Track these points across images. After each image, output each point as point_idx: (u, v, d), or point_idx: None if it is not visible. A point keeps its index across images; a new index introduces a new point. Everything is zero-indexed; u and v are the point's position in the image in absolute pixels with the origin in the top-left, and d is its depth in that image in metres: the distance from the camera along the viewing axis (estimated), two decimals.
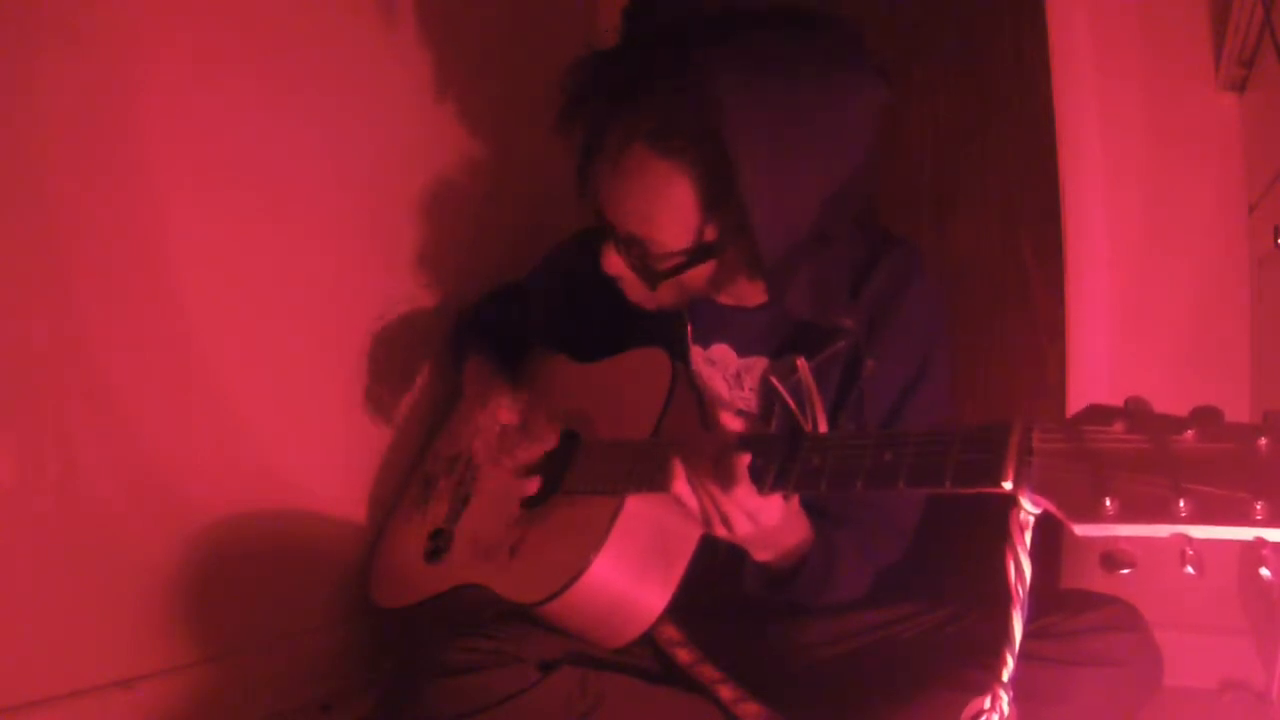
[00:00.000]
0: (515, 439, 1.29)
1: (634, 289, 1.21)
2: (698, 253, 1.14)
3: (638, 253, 1.16)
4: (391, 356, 1.58)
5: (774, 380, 1.20)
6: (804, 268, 1.15)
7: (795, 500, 1.07)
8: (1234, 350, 1.55)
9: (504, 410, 1.32)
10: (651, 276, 1.17)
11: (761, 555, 1.12)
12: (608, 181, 1.14)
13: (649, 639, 1.16)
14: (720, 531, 1.03)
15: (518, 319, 1.52)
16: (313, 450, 1.48)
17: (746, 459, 0.95)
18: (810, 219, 1.11)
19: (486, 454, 1.33)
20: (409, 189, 1.62)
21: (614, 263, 1.19)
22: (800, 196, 1.10)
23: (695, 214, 1.12)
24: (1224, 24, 1.42)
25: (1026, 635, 0.71)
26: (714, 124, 1.05)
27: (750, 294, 1.27)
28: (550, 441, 1.26)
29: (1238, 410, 0.64)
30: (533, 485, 1.24)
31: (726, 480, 0.95)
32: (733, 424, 1.00)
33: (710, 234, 1.13)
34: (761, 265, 1.13)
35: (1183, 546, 0.60)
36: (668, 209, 1.12)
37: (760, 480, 0.94)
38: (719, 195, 1.10)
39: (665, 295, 1.21)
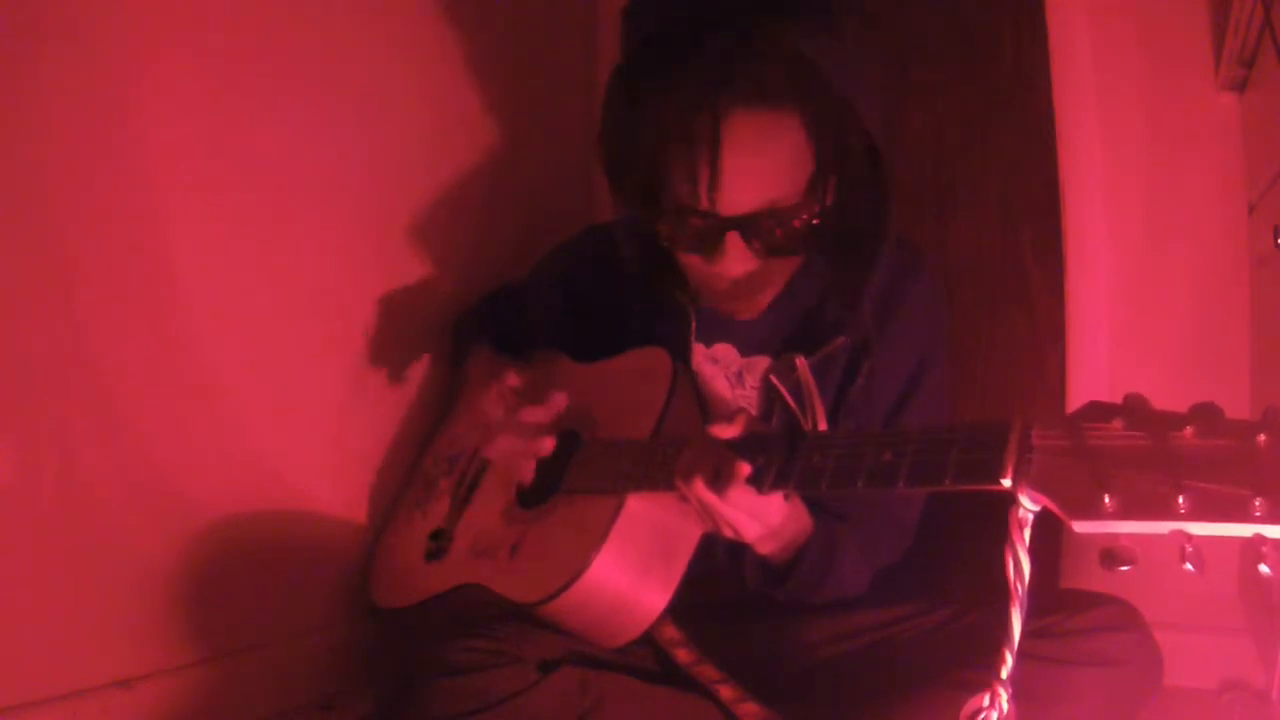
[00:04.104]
0: (526, 402, 1.26)
1: (756, 277, 1.16)
2: (820, 184, 1.11)
3: (775, 224, 1.11)
4: (391, 357, 1.58)
5: (774, 379, 1.20)
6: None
7: (797, 498, 1.07)
8: (1234, 350, 1.54)
9: (513, 377, 1.30)
10: (797, 236, 1.12)
11: (764, 548, 1.12)
12: (720, 162, 1.07)
13: (649, 639, 1.16)
14: (728, 534, 1.03)
15: (517, 320, 1.52)
16: (313, 450, 1.48)
17: (746, 464, 0.95)
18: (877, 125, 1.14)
19: (499, 416, 1.30)
20: (409, 190, 1.62)
21: (741, 257, 1.12)
22: (875, 97, 1.13)
23: (809, 150, 1.09)
24: (1224, 24, 1.42)
25: (1026, 635, 0.71)
26: (812, 75, 1.06)
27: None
28: (559, 405, 1.24)
29: (1237, 410, 0.64)
30: (549, 444, 1.21)
31: (726, 485, 0.96)
32: (726, 434, 1.00)
33: (823, 159, 1.11)
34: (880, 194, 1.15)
35: (1182, 543, 0.60)
36: (787, 157, 1.09)
37: (760, 480, 0.94)
38: (823, 127, 1.09)
39: (772, 280, 1.20)
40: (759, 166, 1.09)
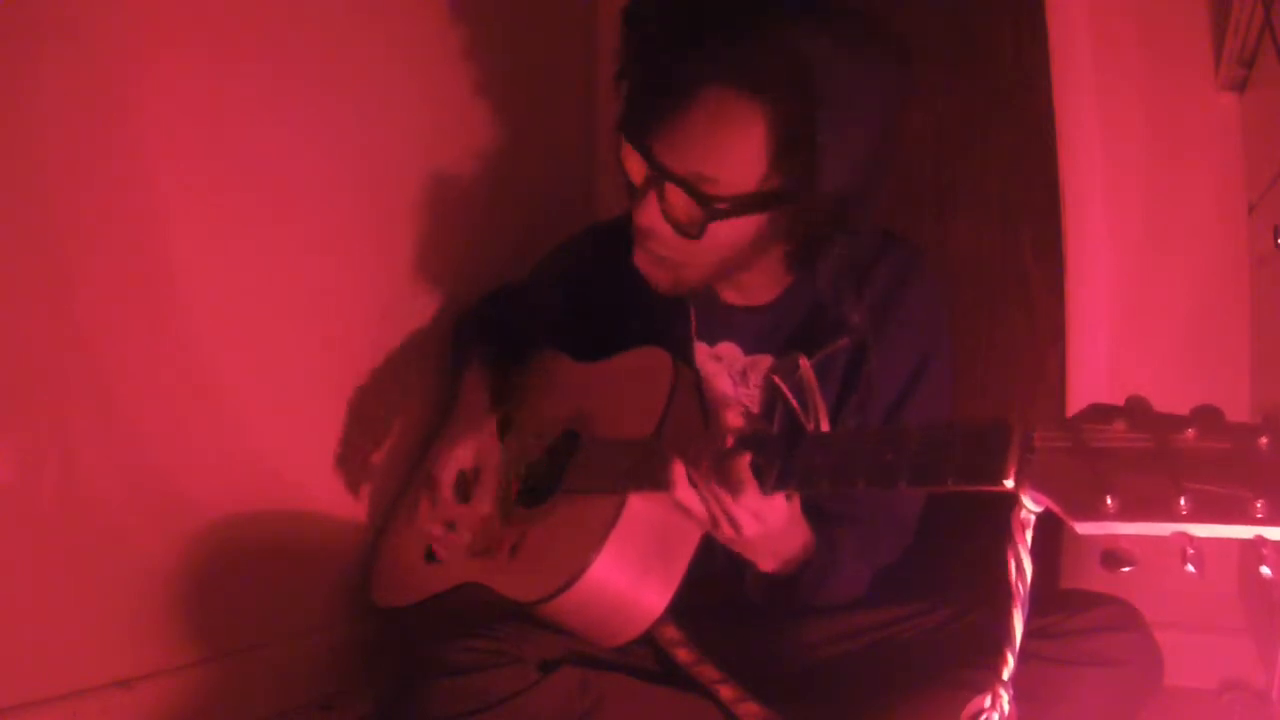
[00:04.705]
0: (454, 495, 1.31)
1: (663, 246, 1.17)
2: (757, 199, 1.12)
3: (686, 199, 1.12)
4: (392, 357, 1.58)
5: (776, 379, 1.20)
6: (828, 251, 1.18)
7: (797, 503, 1.07)
8: (1234, 350, 1.54)
9: (461, 452, 1.33)
10: (698, 222, 1.13)
11: (766, 565, 1.12)
12: (678, 116, 1.11)
13: (649, 639, 1.16)
14: (728, 533, 1.02)
15: (518, 320, 1.51)
16: (313, 450, 1.48)
17: (748, 459, 0.95)
18: (858, 186, 1.14)
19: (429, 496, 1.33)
20: (410, 190, 1.62)
21: (651, 213, 1.14)
22: (858, 162, 1.13)
23: (764, 158, 1.11)
24: (1224, 24, 1.42)
25: (1026, 634, 0.71)
26: (800, 77, 1.07)
27: (759, 292, 1.28)
28: (483, 508, 1.28)
29: (1237, 410, 0.64)
30: (460, 536, 1.26)
31: (729, 481, 0.95)
32: (735, 421, 1.00)
33: (772, 183, 1.12)
34: (805, 231, 1.16)
35: (1183, 545, 0.60)
36: (739, 148, 1.11)
37: (762, 480, 0.94)
38: (789, 145, 1.10)
39: (690, 267, 1.19)
40: (708, 139, 1.10)
